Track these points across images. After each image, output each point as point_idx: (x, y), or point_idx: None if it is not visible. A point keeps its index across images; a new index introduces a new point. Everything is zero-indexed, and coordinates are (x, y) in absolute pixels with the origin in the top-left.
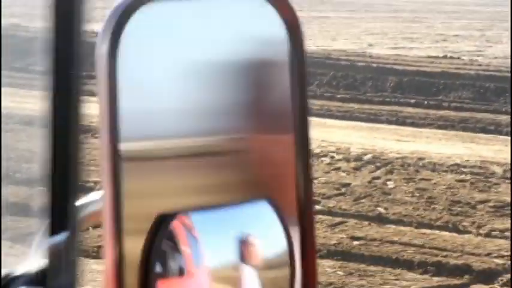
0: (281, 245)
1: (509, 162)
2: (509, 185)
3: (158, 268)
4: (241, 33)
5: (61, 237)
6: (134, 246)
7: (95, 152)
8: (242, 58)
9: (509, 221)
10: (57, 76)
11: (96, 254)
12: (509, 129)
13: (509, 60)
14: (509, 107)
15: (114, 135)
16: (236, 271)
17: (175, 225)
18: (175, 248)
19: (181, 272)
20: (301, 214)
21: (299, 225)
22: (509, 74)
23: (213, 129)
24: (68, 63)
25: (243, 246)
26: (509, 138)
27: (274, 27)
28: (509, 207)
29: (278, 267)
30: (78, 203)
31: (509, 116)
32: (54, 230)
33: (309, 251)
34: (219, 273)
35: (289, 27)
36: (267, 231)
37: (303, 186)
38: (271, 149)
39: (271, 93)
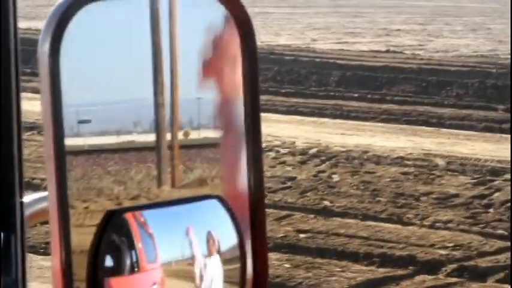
0: (232, 240)
1: (479, 157)
2: (453, 177)
3: (109, 264)
4: (190, 29)
5: (6, 234)
6: (83, 243)
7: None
8: (191, 54)
9: (453, 213)
10: None
11: (44, 250)
12: (451, 122)
13: (453, 53)
14: (455, 100)
15: (58, 132)
16: (188, 265)
17: (127, 220)
18: (128, 243)
19: (133, 268)
20: (252, 211)
21: (250, 221)
22: (451, 68)
23: (162, 124)
24: (6, 60)
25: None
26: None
27: (224, 23)
28: (453, 199)
29: (229, 261)
30: (24, 200)
31: (451, 109)
32: None
33: (260, 245)
34: (172, 268)
35: (239, 24)
36: (217, 227)
37: (254, 184)
38: (223, 146)
39: (222, 90)
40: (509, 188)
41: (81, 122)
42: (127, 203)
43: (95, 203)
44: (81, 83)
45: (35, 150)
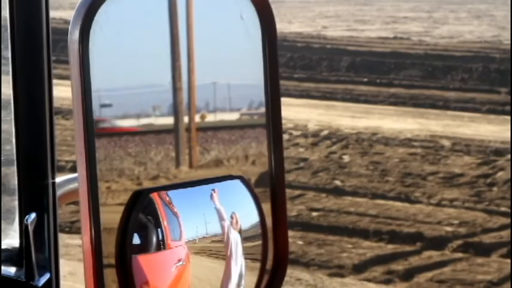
0: (254, 219)
1: (483, 138)
2: (459, 157)
3: (136, 242)
4: (213, 19)
5: (36, 215)
6: (112, 223)
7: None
8: (215, 42)
9: (458, 192)
10: (28, 60)
11: (69, 229)
12: (456, 104)
13: (457, 39)
14: (460, 84)
15: (88, 116)
16: (212, 243)
17: (154, 200)
18: (154, 222)
19: (159, 246)
20: (273, 191)
21: (271, 201)
22: (455, 53)
23: (186, 108)
24: (39, 48)
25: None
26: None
27: (246, 14)
28: (458, 178)
29: (252, 239)
30: (54, 181)
31: (456, 92)
32: (29, 209)
33: (281, 225)
34: (197, 245)
35: (261, 15)
36: (240, 207)
37: (275, 165)
38: (245, 130)
39: (244, 77)
40: None
41: (103, 106)
42: (147, 183)
43: (116, 183)
44: (103, 69)
45: (60, 134)
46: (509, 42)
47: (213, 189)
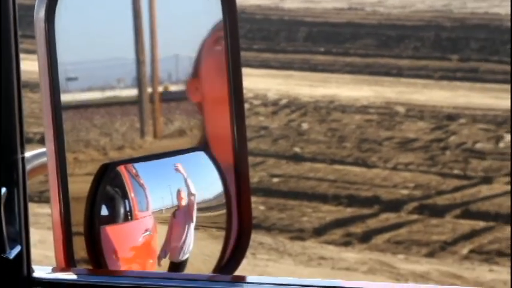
0: (217, 189)
1: (436, 104)
2: (413, 123)
3: (104, 213)
4: None
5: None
6: (79, 192)
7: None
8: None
9: (413, 156)
10: None
11: (38, 198)
12: (410, 72)
13: (410, 9)
14: (413, 52)
15: (54, 91)
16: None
17: (121, 173)
18: (121, 194)
19: (127, 216)
20: (236, 162)
21: (234, 171)
22: (408, 22)
23: (150, 80)
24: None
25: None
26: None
27: None
28: (413, 143)
29: (216, 208)
30: (23, 156)
31: (409, 60)
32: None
33: (244, 194)
34: (163, 216)
35: None
36: (204, 177)
37: (238, 136)
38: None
39: (206, 50)
40: (464, 131)
41: (69, 79)
42: (113, 154)
43: (83, 154)
44: (69, 44)
45: (28, 107)
46: (460, 10)
47: (176, 164)
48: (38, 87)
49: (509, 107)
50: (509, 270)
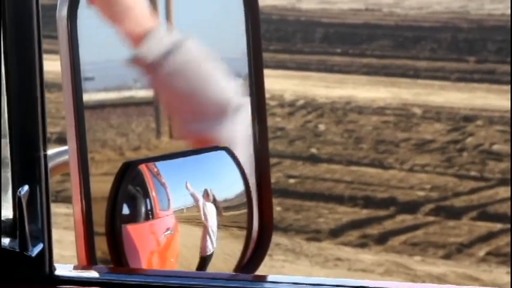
0: (239, 188)
1: (453, 105)
2: (430, 124)
3: (126, 212)
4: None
5: (29, 187)
6: (97, 194)
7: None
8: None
9: (430, 157)
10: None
11: (55, 198)
12: (426, 73)
13: (427, 10)
14: (429, 53)
15: (77, 90)
16: (200, 212)
17: (142, 171)
18: (143, 193)
19: (148, 215)
20: (257, 161)
21: (256, 171)
22: (425, 24)
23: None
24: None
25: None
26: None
27: None
28: (429, 144)
29: (237, 207)
30: (45, 153)
31: (426, 62)
32: (22, 181)
33: (265, 193)
34: (184, 215)
35: None
36: (226, 176)
37: (259, 136)
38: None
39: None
40: (481, 133)
41: (85, 79)
42: (129, 154)
43: (99, 154)
44: (88, 44)
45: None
46: (477, 12)
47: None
48: (54, 87)
49: None
50: None
